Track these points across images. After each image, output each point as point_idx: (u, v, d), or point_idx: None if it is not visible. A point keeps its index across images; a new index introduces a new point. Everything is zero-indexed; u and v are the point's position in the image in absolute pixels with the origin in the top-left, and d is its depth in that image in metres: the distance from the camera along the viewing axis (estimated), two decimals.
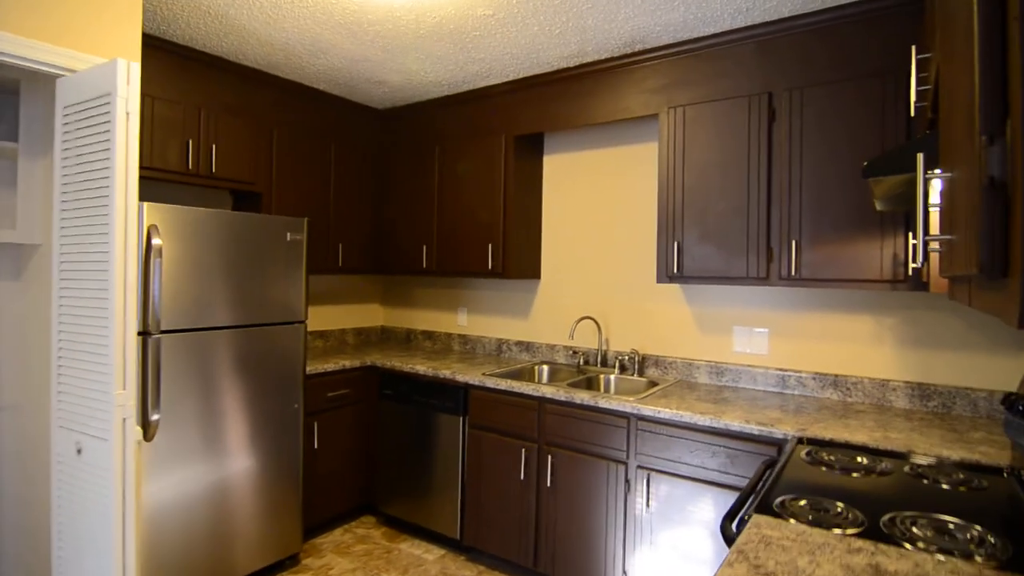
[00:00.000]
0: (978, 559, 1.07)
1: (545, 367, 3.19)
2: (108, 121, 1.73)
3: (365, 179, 3.63)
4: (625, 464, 2.40)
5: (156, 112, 2.58)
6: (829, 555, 1.09)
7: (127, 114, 1.73)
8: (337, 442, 3.16)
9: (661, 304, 2.96)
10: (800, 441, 1.91)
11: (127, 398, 1.76)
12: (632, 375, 2.94)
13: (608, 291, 3.14)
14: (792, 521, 1.24)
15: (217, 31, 2.55)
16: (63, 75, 1.91)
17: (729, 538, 1.35)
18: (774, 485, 1.48)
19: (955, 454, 1.75)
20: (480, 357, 3.49)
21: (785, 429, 2.02)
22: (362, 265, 3.63)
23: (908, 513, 1.29)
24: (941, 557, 1.08)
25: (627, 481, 2.39)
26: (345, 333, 3.92)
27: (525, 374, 3.15)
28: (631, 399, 2.40)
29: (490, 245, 3.18)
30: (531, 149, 3.28)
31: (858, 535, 1.18)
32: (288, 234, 2.73)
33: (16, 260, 2.52)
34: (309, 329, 3.68)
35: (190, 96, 2.76)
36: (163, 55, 2.64)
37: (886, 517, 1.26)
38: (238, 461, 2.56)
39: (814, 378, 2.54)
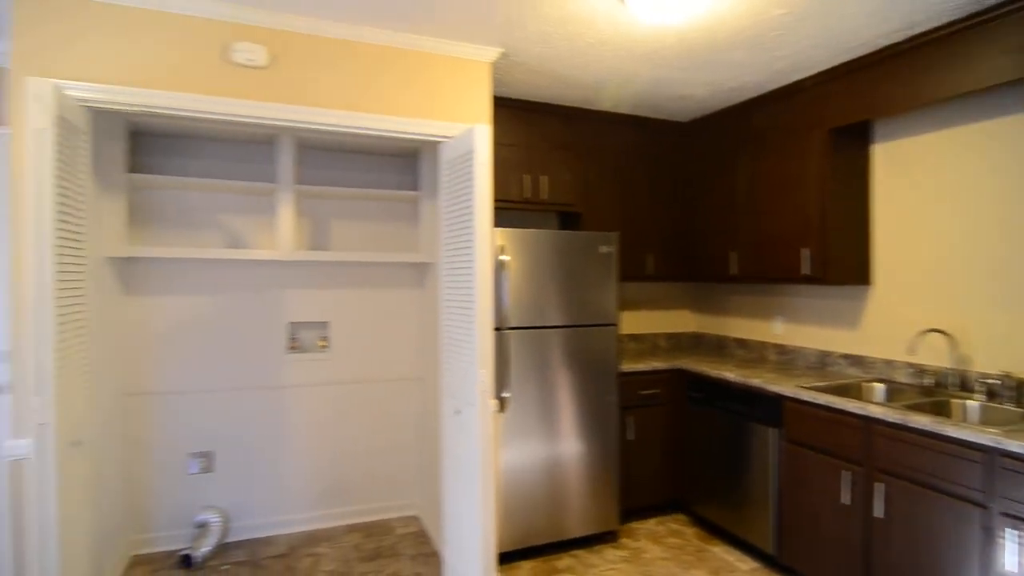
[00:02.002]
0: None
1: (879, 385, 2.81)
2: (470, 171, 2.33)
3: (671, 191, 3.80)
4: (983, 508, 1.97)
5: (502, 155, 3.27)
6: None
7: (482, 164, 2.30)
8: (649, 436, 3.39)
9: None
10: None
11: (487, 376, 2.33)
12: (1004, 403, 2.36)
13: (971, 298, 2.58)
14: None
15: (544, 83, 3.09)
16: (444, 141, 2.64)
17: None
18: None
19: None
20: (799, 369, 3.26)
21: None
22: (671, 273, 3.79)
23: None
24: None
25: (985, 529, 1.96)
26: (657, 337, 4.14)
27: (853, 390, 2.82)
28: (993, 430, 1.97)
29: (804, 249, 2.97)
30: (852, 140, 2.94)
31: None
32: (601, 247, 3.10)
33: (417, 274, 3.53)
34: (624, 332, 4.02)
35: (526, 138, 3.39)
36: (507, 110, 3.32)
37: None
38: (566, 440, 3.03)
39: None
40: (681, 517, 3.50)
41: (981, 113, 2.52)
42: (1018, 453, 1.87)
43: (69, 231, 1.97)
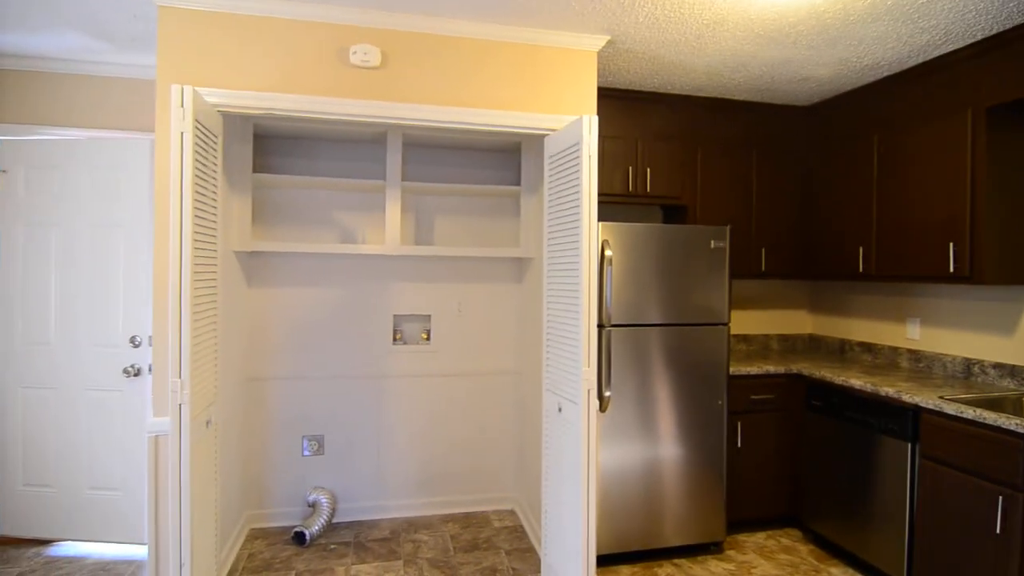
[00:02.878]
0: None
1: None
2: (577, 163, 2.27)
3: (788, 181, 3.52)
4: None
5: (605, 148, 3.17)
6: None
7: (589, 156, 2.23)
8: (760, 445, 3.17)
9: None
10: None
11: (591, 374, 2.27)
12: None
13: None
14: None
15: (649, 71, 2.96)
16: (548, 134, 2.59)
17: None
18: None
19: None
20: (938, 378, 2.91)
21: None
22: (787, 269, 3.52)
23: None
24: None
25: None
26: (769, 339, 3.87)
27: (1009, 404, 2.48)
28: None
29: (951, 243, 2.63)
30: (1013, 121, 2.56)
31: None
32: (712, 242, 2.93)
33: (517, 269, 3.52)
34: (732, 332, 3.79)
35: (629, 130, 3.27)
36: (609, 101, 3.22)
37: None
38: (668, 443, 2.90)
39: None
40: (794, 532, 3.25)
41: None
42: None
43: (204, 227, 2.13)
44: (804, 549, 3.06)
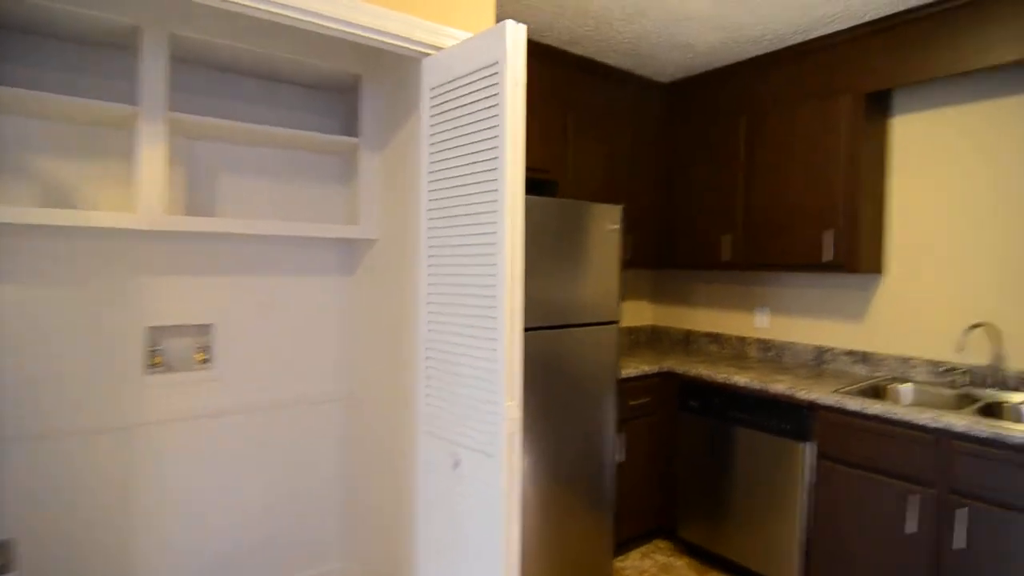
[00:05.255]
0: None
1: (905, 385, 2.51)
2: (494, 97, 1.51)
3: (655, 163, 3.25)
4: None
5: None
6: None
7: (515, 83, 1.49)
8: (639, 456, 2.82)
9: None
10: None
11: (516, 410, 1.54)
12: None
13: (1005, 289, 2.35)
14: None
15: (532, 5, 2.32)
16: (429, 53, 1.77)
17: None
18: None
19: None
20: (790, 366, 2.90)
21: None
22: (653, 259, 3.25)
23: None
24: None
25: None
26: None
27: (881, 392, 2.51)
28: None
29: (827, 232, 2.57)
30: (875, 110, 2.60)
31: None
32: (608, 224, 2.43)
33: (349, 256, 2.56)
34: None
35: None
36: None
37: None
38: (562, 476, 2.33)
39: None
40: (663, 544, 2.99)
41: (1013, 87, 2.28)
42: None
43: None
44: (680, 563, 2.80)
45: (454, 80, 1.64)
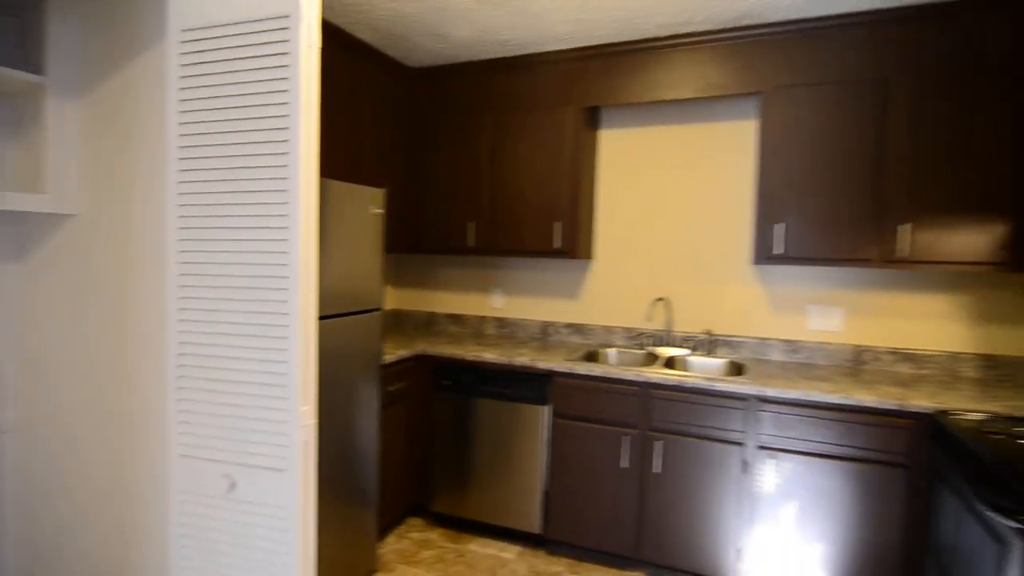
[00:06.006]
0: None
1: (611, 350, 3.09)
2: (283, 56, 1.30)
3: (397, 148, 3.21)
4: (743, 445, 2.39)
5: None
6: None
7: (309, 46, 1.31)
8: (398, 441, 2.83)
9: (731, 286, 2.98)
10: (944, 414, 2.01)
11: (310, 416, 1.38)
12: (706, 356, 2.94)
13: (674, 272, 3.09)
14: None
15: None
16: None
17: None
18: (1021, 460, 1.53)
19: None
20: (522, 340, 3.29)
21: (922, 403, 2.13)
22: (393, 244, 3.23)
23: None
24: None
25: (744, 462, 2.39)
26: None
27: (600, 358, 3.03)
28: (750, 381, 2.40)
29: (557, 223, 2.97)
30: (591, 123, 3.10)
31: None
32: (371, 207, 2.33)
33: (20, 236, 1.89)
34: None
35: None
36: None
37: None
38: (328, 475, 2.18)
39: (890, 353, 2.71)
40: (416, 521, 3.08)
41: (704, 116, 3.02)
42: (773, 397, 2.32)
43: None
44: (435, 535, 2.94)
45: (223, 27, 1.35)
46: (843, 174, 2.49)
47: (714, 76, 2.70)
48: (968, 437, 1.77)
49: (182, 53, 1.41)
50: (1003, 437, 1.74)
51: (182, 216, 1.44)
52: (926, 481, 2.12)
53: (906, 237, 2.40)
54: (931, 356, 2.65)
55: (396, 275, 3.80)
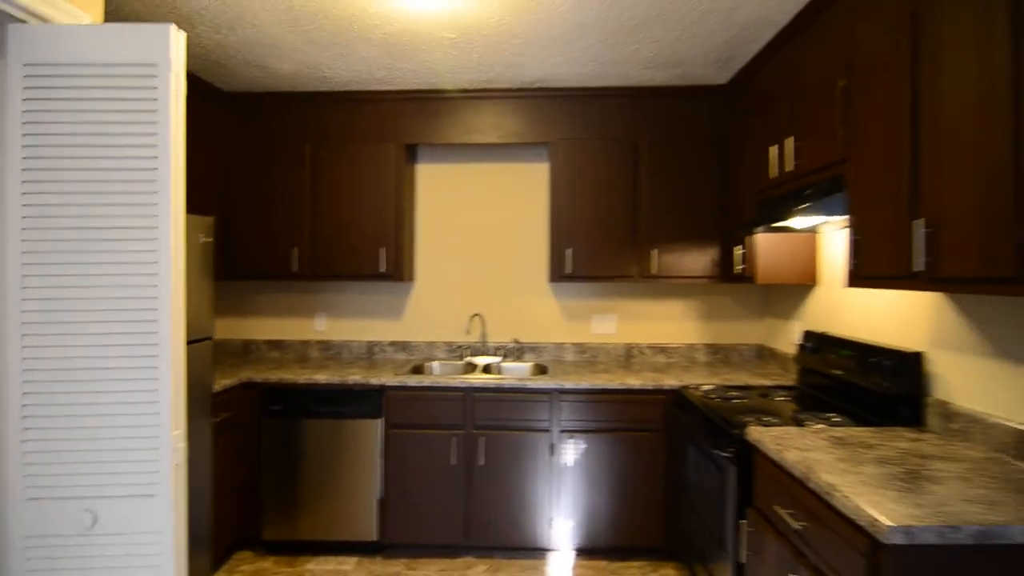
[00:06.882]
0: (850, 421, 2.02)
1: (435, 362, 3.42)
2: (151, 100, 1.39)
3: (211, 173, 3.15)
4: (549, 432, 2.91)
5: None
6: (812, 436, 1.88)
7: (177, 94, 1.42)
8: (226, 474, 2.76)
9: (533, 300, 3.54)
10: (684, 388, 2.76)
11: (181, 440, 1.45)
12: (515, 361, 3.44)
13: (486, 290, 3.55)
14: (777, 427, 2.02)
15: None
16: (21, 19, 1.39)
17: (737, 446, 2.05)
18: (728, 412, 2.25)
19: (768, 381, 2.87)
20: (349, 361, 3.44)
21: (671, 383, 2.87)
22: (236, 271, 3.15)
23: (804, 415, 2.21)
24: (841, 424, 2.00)
25: (552, 446, 2.91)
26: None
27: (426, 370, 3.32)
28: (552, 379, 2.93)
29: (382, 249, 3.22)
30: (410, 158, 3.43)
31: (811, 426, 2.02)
32: (200, 236, 2.32)
33: None
34: None
35: None
36: None
37: (797, 416, 2.16)
38: None
39: (650, 347, 3.51)
40: (245, 554, 3.01)
41: (505, 157, 3.53)
42: (571, 388, 2.89)
43: None
44: (267, 563, 2.92)
45: (81, 66, 1.38)
46: (611, 210, 3.20)
47: (512, 126, 3.24)
48: (699, 403, 2.49)
49: (30, 87, 1.38)
50: (720, 400, 2.48)
51: (27, 240, 1.40)
52: (676, 439, 2.84)
53: (655, 258, 3.18)
54: (676, 347, 3.51)
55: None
